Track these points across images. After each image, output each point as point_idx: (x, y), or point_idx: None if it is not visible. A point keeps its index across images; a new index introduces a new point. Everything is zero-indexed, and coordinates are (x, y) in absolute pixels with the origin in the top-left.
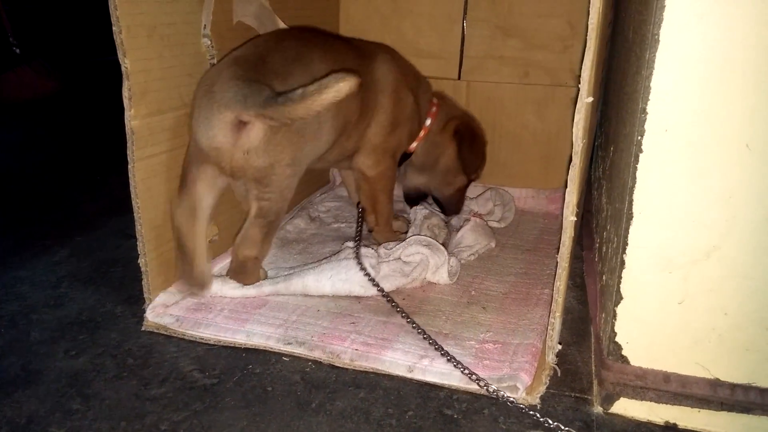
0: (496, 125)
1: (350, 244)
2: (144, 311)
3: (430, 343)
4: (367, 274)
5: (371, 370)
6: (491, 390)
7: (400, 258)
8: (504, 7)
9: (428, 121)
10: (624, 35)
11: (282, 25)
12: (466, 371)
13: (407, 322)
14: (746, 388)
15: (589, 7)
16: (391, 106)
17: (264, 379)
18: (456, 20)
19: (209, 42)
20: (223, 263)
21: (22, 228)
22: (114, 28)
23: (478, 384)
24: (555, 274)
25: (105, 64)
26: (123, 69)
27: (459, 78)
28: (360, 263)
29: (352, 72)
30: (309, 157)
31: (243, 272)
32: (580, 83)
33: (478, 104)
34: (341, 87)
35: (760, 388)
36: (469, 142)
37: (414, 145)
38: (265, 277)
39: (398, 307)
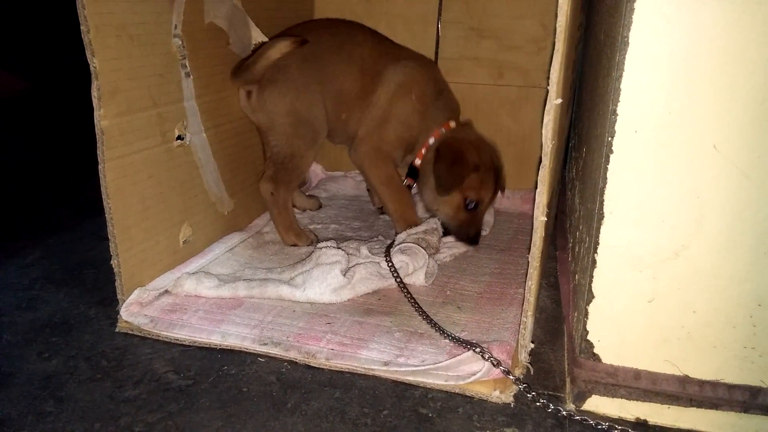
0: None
1: (322, 245)
2: (118, 313)
3: (424, 317)
4: (397, 275)
5: (347, 370)
6: (477, 351)
7: (378, 262)
8: (478, 9)
9: (431, 140)
10: (596, 38)
11: (254, 27)
12: (450, 336)
13: (406, 295)
14: (714, 385)
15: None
16: (386, 103)
17: (239, 379)
18: (430, 22)
19: (180, 42)
20: (198, 263)
21: None
22: (82, 28)
23: (466, 347)
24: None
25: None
26: (92, 68)
27: None
28: (389, 261)
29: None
30: (308, 110)
31: (276, 221)
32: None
33: None
34: (280, 46)
35: (728, 384)
36: (447, 161)
37: (418, 161)
38: (315, 239)
39: (411, 297)
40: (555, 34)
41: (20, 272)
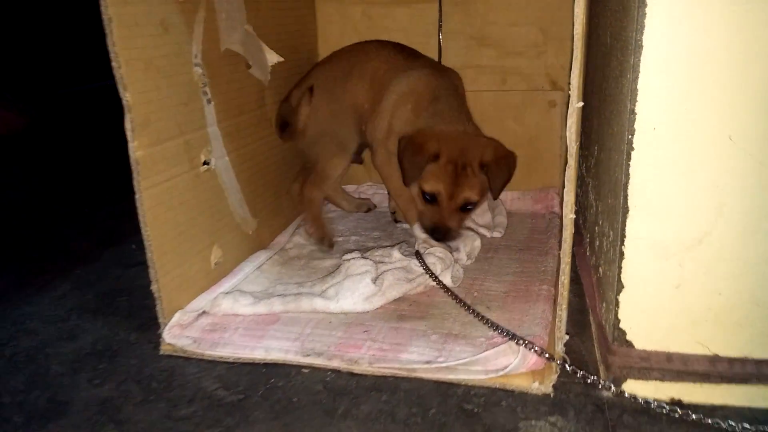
0: None
1: (348, 256)
2: (159, 336)
3: (466, 309)
4: (432, 273)
5: (390, 374)
6: (519, 342)
7: (403, 267)
8: (477, 19)
9: None
10: (600, 40)
11: (268, 50)
12: (498, 328)
13: (451, 296)
14: (743, 361)
15: (558, 13)
16: (389, 113)
17: (288, 391)
18: (432, 34)
19: (201, 70)
20: (230, 283)
21: (19, 265)
22: (113, 63)
23: (507, 337)
24: (557, 270)
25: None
26: (124, 102)
27: None
28: (427, 269)
29: None
30: (335, 122)
31: (306, 221)
32: (556, 88)
33: None
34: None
35: (756, 360)
36: (407, 150)
37: None
38: (331, 240)
39: (453, 293)
40: (572, 41)
41: (55, 304)
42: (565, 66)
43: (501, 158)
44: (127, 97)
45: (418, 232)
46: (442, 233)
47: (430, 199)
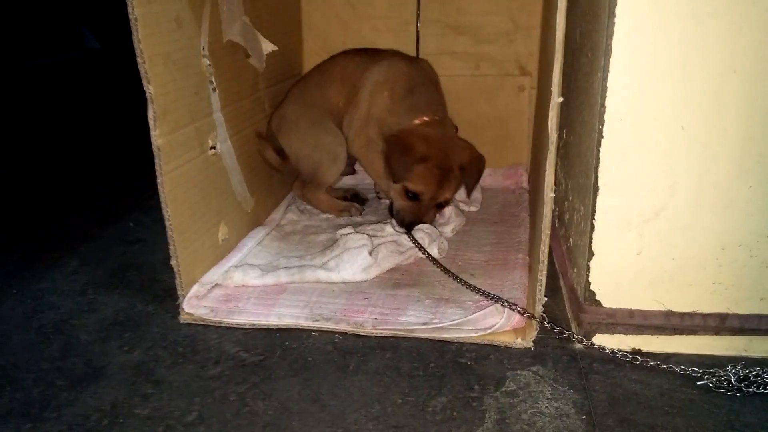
0: (454, 114)
1: (342, 231)
2: (177, 306)
3: (457, 280)
4: (422, 248)
5: (391, 335)
6: (504, 303)
7: (394, 241)
8: (453, 9)
9: None
10: (569, 36)
11: (264, 40)
12: (483, 293)
13: (437, 266)
14: (692, 315)
15: (527, 5)
16: (366, 102)
17: (302, 351)
18: (410, 22)
19: (208, 61)
20: (237, 257)
21: (23, 243)
22: (138, 59)
23: (493, 300)
24: (529, 240)
25: (29, 69)
26: (147, 94)
27: None
28: (417, 244)
29: None
30: (319, 133)
31: (320, 210)
32: (525, 73)
33: None
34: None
35: (702, 313)
36: (396, 150)
37: None
38: (359, 208)
39: (444, 267)
40: (554, 44)
41: (69, 279)
42: (533, 53)
43: (474, 160)
44: (150, 89)
45: (391, 229)
46: (413, 226)
47: (412, 196)
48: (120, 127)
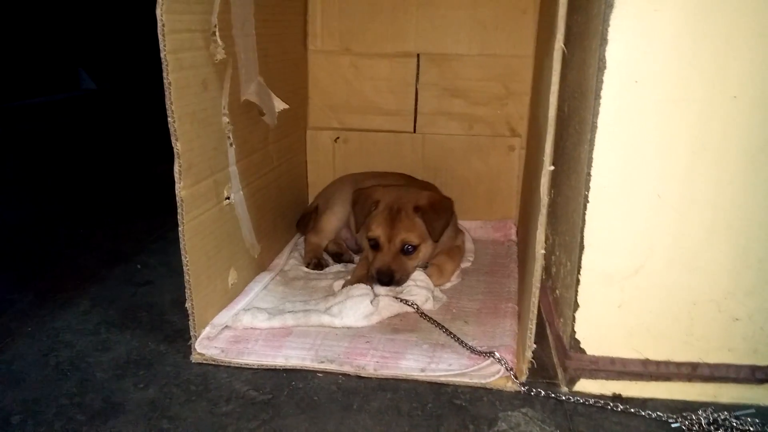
0: (448, 169)
1: (337, 284)
2: (188, 346)
3: (449, 335)
4: (404, 301)
5: (391, 377)
6: (496, 357)
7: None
8: (450, 74)
9: None
10: (559, 106)
11: (276, 98)
12: (470, 348)
13: (432, 323)
14: (667, 363)
15: (518, 73)
16: None
17: (308, 391)
18: (410, 84)
19: (227, 119)
20: (244, 301)
21: (34, 283)
22: (169, 119)
23: (484, 355)
24: (518, 291)
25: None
26: (175, 150)
27: (414, 131)
28: (400, 298)
29: None
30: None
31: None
32: (515, 134)
33: (431, 153)
34: None
35: (676, 362)
36: (356, 202)
37: None
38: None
39: (436, 322)
40: (547, 120)
41: (81, 319)
42: (523, 116)
43: (435, 202)
44: (178, 146)
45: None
46: (387, 276)
47: (374, 245)
48: (114, 168)
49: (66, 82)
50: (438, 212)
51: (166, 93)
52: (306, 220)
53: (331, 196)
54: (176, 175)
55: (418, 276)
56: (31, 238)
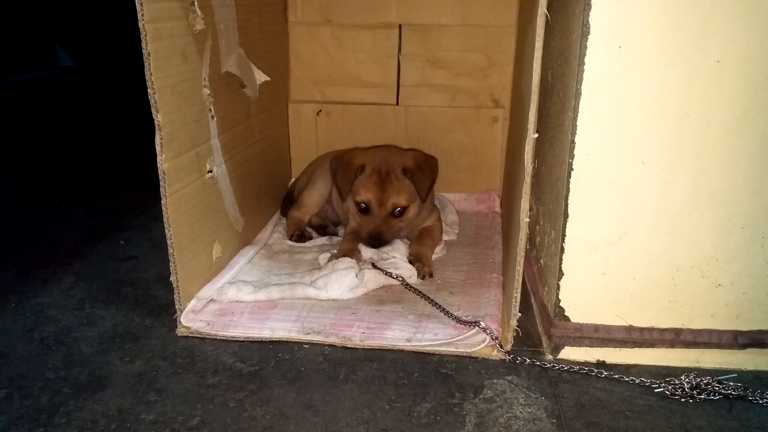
0: (431, 142)
1: (323, 257)
2: (174, 320)
3: (434, 305)
4: (389, 273)
5: (377, 347)
6: (481, 326)
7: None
8: (432, 45)
9: None
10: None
11: (257, 70)
12: (456, 318)
13: (417, 294)
14: (650, 330)
15: (501, 43)
16: None
17: (295, 362)
18: (392, 56)
19: (208, 91)
20: (229, 274)
21: (17, 259)
22: (149, 90)
23: (469, 324)
24: (502, 261)
25: None
26: (156, 123)
27: (397, 104)
28: (385, 271)
29: None
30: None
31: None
32: (498, 105)
33: (414, 125)
34: None
35: (660, 328)
36: (338, 168)
37: None
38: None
39: (421, 293)
40: (531, 88)
41: (65, 295)
42: (506, 87)
43: (422, 163)
44: (158, 118)
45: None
46: (378, 239)
47: (364, 209)
48: (93, 145)
49: (42, 59)
50: (425, 172)
51: (146, 64)
52: (290, 200)
53: (314, 171)
54: (158, 147)
55: (403, 248)
56: (13, 215)
